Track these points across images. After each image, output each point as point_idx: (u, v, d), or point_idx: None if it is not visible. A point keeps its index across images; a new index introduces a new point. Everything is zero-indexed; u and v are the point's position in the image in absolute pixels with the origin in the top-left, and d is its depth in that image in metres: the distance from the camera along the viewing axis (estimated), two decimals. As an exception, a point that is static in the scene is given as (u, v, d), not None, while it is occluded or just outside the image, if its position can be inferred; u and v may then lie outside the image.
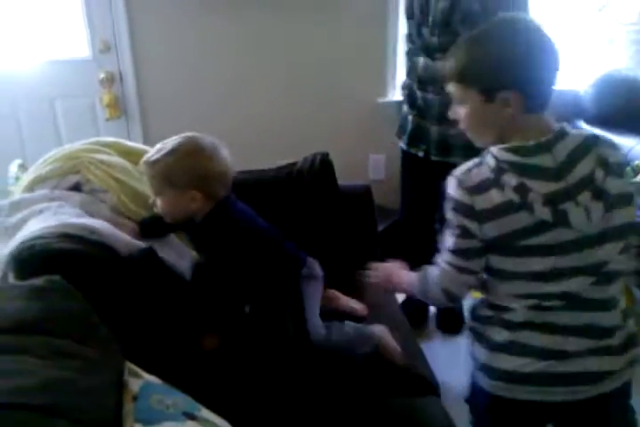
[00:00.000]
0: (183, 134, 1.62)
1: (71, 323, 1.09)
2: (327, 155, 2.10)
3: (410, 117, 2.40)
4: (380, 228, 2.55)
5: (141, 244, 1.59)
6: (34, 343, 0.99)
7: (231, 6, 3.02)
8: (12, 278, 1.35)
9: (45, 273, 1.25)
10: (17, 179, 2.42)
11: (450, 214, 1.23)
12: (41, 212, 1.57)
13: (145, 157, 1.61)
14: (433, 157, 2.36)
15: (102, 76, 3.07)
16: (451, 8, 2.08)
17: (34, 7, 2.99)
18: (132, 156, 1.87)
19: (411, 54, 2.35)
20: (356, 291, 1.93)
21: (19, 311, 1.11)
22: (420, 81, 2.29)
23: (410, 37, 2.34)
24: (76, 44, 3.07)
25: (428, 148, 2.36)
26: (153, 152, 1.60)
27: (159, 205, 1.62)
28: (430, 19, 2.15)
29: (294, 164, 2.11)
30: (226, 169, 1.62)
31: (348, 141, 3.18)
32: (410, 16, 2.28)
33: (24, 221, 1.55)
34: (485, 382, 1.31)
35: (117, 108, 3.12)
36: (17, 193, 1.81)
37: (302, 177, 2.06)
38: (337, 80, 3.23)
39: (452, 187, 1.22)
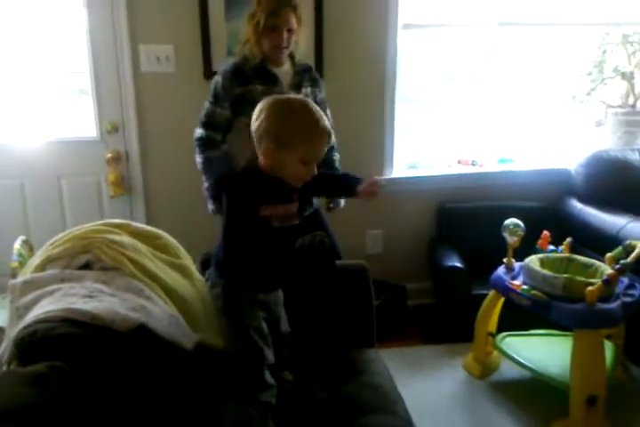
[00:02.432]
0: None
1: (71, 410, 1.11)
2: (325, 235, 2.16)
3: None
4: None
5: (138, 319, 1.57)
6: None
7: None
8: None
9: (47, 358, 1.27)
10: (20, 255, 2.46)
11: None
12: (52, 293, 1.58)
13: None
14: None
15: (109, 155, 3.17)
16: None
17: (43, 86, 3.14)
18: (141, 236, 1.93)
19: None
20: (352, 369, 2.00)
21: (19, 399, 1.13)
22: None
23: None
24: (85, 124, 3.18)
25: None
26: None
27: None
28: None
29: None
30: None
31: (347, 218, 3.23)
32: None
33: (35, 301, 1.55)
34: None
35: (122, 186, 3.20)
36: (28, 273, 1.83)
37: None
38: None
39: None
